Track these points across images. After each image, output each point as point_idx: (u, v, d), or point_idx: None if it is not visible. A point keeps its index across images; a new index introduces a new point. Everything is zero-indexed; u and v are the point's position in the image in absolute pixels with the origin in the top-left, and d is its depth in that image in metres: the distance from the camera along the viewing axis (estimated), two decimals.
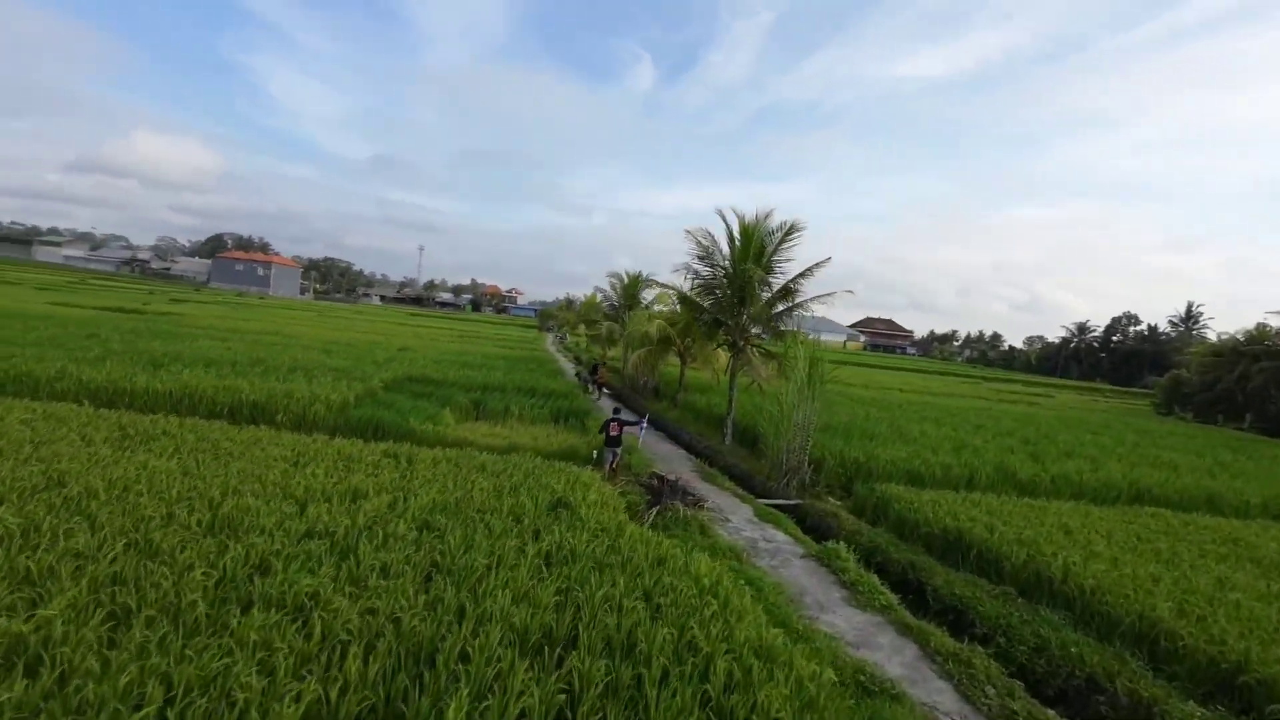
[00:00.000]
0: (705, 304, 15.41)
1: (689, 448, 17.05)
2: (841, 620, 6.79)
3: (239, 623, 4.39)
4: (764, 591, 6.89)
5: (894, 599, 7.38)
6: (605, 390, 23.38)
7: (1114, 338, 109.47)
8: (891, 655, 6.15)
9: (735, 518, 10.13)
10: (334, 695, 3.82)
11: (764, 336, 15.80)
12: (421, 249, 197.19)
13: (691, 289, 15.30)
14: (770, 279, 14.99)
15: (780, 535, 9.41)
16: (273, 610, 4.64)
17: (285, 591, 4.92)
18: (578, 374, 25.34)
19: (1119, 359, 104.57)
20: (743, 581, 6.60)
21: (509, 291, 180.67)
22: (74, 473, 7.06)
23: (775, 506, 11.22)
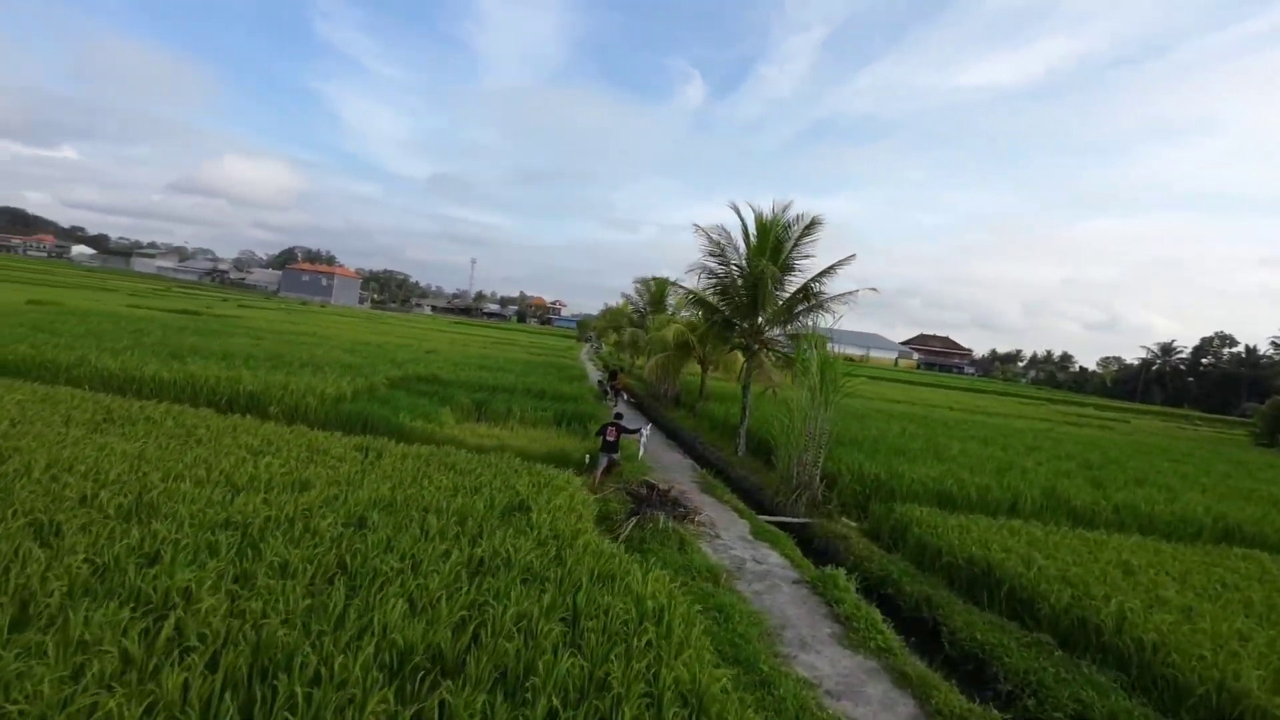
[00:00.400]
0: (718, 304, 14.40)
1: (701, 458, 16.00)
2: (825, 662, 5.65)
3: (83, 619, 3.85)
4: (732, 621, 5.85)
5: (896, 640, 6.14)
6: (626, 397, 22.61)
7: (1204, 360, 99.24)
8: (880, 712, 4.98)
9: (728, 534, 9.07)
10: (136, 714, 3.18)
11: (780, 340, 14.62)
12: (473, 262, 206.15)
13: (704, 288, 14.36)
14: (788, 278, 13.86)
15: (774, 556, 8.28)
16: (129, 606, 4.09)
17: (156, 585, 4.37)
18: (599, 381, 24.71)
19: (1210, 383, 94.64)
20: (700, 607, 5.60)
21: (553, 303, 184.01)
22: (25, 449, 6.92)
23: (778, 524, 10.05)
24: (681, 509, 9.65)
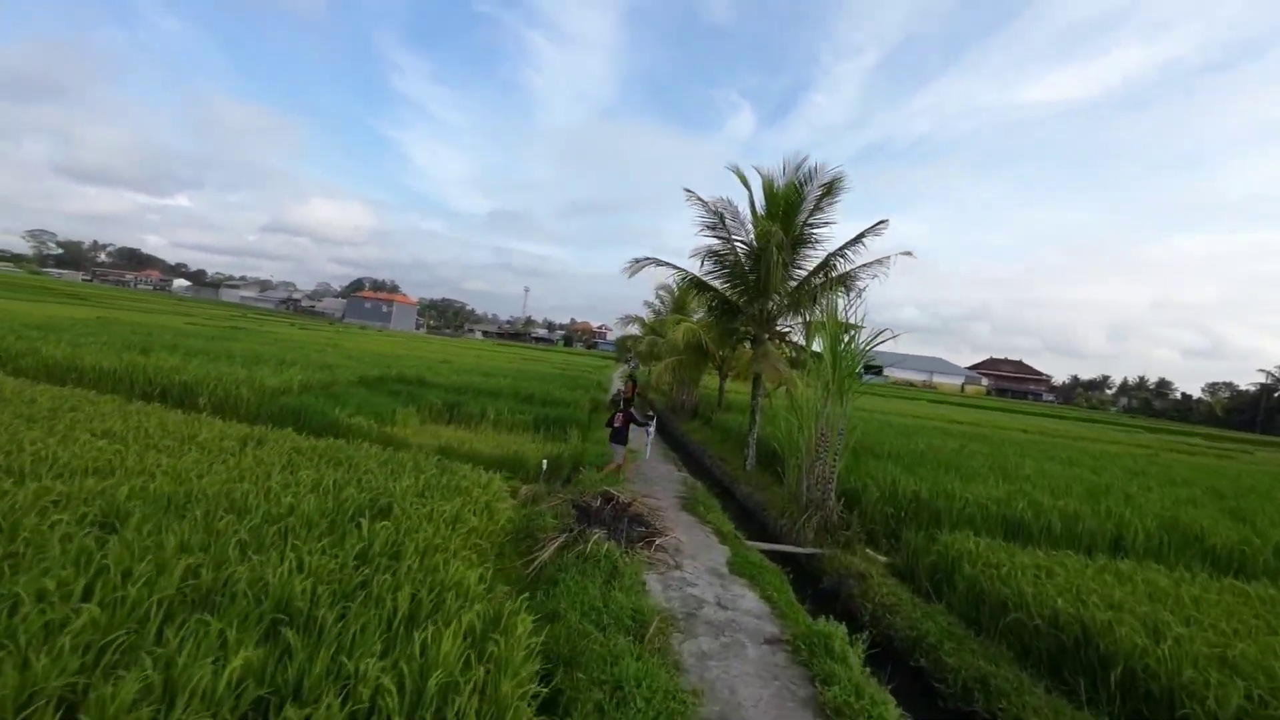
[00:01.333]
0: (720, 287, 12.09)
1: (705, 473, 13.50)
2: None
3: None
4: (627, 713, 3.48)
5: None
6: (633, 411, 20.38)
7: None
8: None
9: (695, 564, 6.62)
10: None
11: (794, 330, 12.10)
12: (526, 290, 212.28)
13: (706, 272, 12.14)
14: (804, 252, 11.41)
15: (749, 599, 5.76)
16: None
17: None
18: (614, 397, 22.61)
19: None
20: (585, 680, 3.29)
21: (599, 328, 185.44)
22: None
23: (774, 554, 7.48)
24: (642, 528, 7.32)
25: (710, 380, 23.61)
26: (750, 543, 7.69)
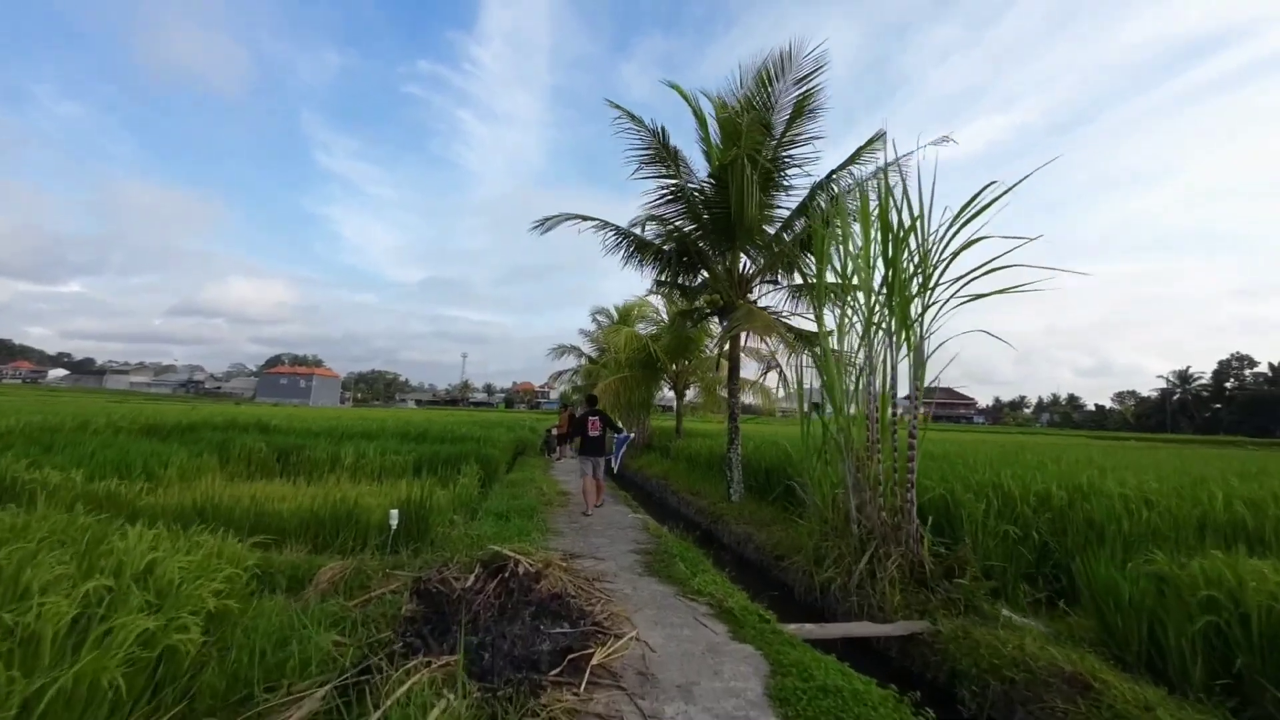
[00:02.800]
0: (672, 232, 8.58)
1: (671, 514, 9.53)
2: None
3: None
4: None
5: None
6: (569, 446, 16.15)
7: (1226, 384, 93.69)
8: None
9: (691, 709, 2.62)
10: None
11: (777, 284, 8.73)
12: (464, 357, 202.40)
13: (645, 225, 8.71)
14: (776, 195, 8.27)
15: None
16: None
17: None
18: (545, 438, 18.20)
19: (1240, 407, 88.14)
20: None
21: (541, 388, 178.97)
22: None
23: (834, 642, 3.61)
24: (562, 629, 3.29)
25: (665, 419, 19.91)
26: (788, 627, 3.77)
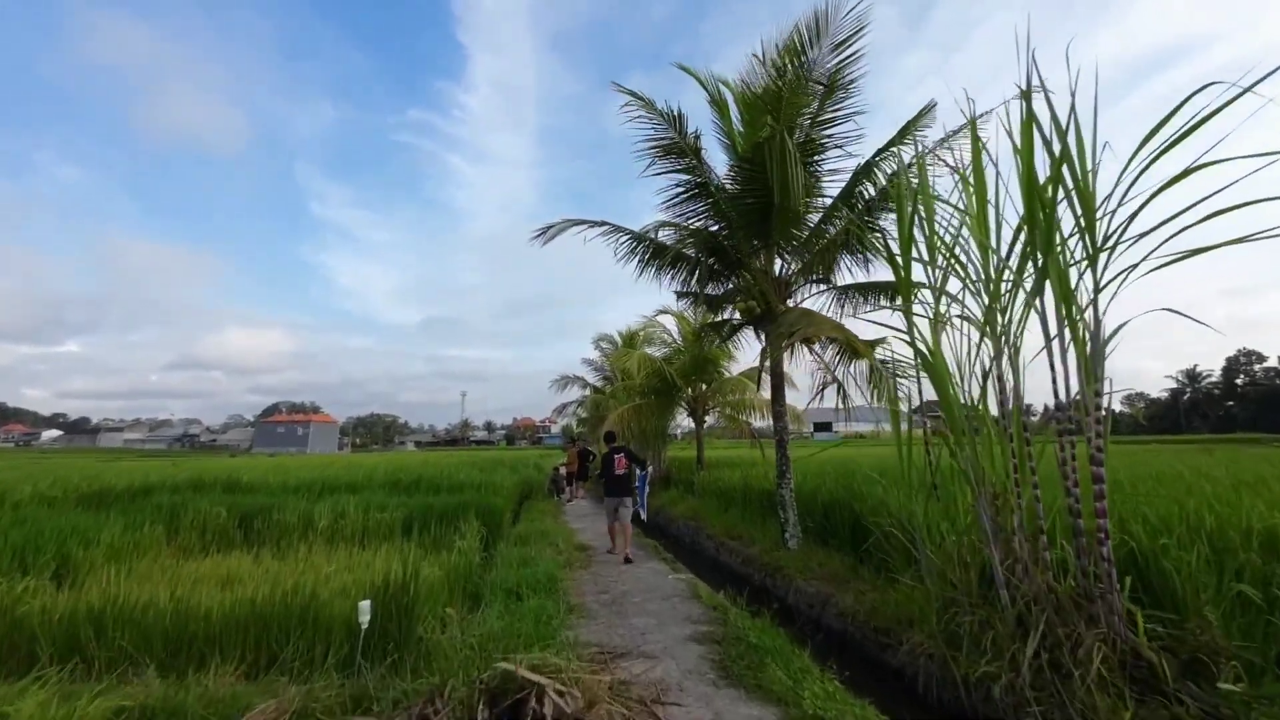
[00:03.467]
0: (692, 232, 7.34)
1: (715, 564, 8.07)
2: None
3: None
4: None
5: None
6: (577, 488, 14.62)
7: (1238, 381, 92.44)
8: None
9: None
10: None
11: (828, 283, 7.42)
12: (464, 395, 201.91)
13: (659, 224, 7.47)
14: (816, 165, 7.05)
15: None
16: None
17: None
18: (551, 478, 16.65)
19: (1255, 404, 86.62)
20: None
21: (542, 423, 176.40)
22: None
23: None
24: None
25: (682, 449, 18.43)
26: None
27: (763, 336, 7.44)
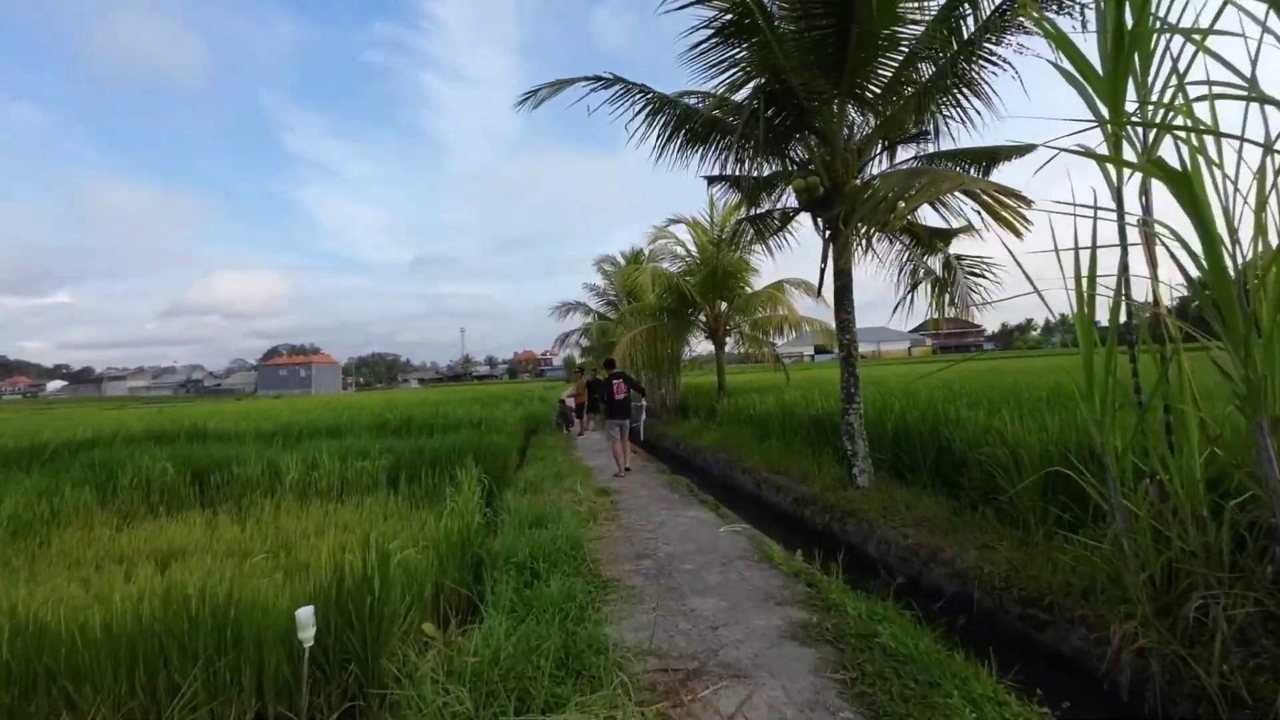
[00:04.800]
0: (733, 84, 5.44)
1: (757, 502, 6.96)
2: None
3: None
4: None
5: None
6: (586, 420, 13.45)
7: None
8: None
9: None
10: None
11: (923, 138, 5.69)
12: (463, 331, 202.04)
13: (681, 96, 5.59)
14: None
15: None
16: None
17: None
18: (558, 409, 15.44)
19: None
20: None
21: (544, 355, 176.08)
22: None
23: None
24: None
25: (703, 375, 17.10)
26: None
27: (822, 227, 5.78)
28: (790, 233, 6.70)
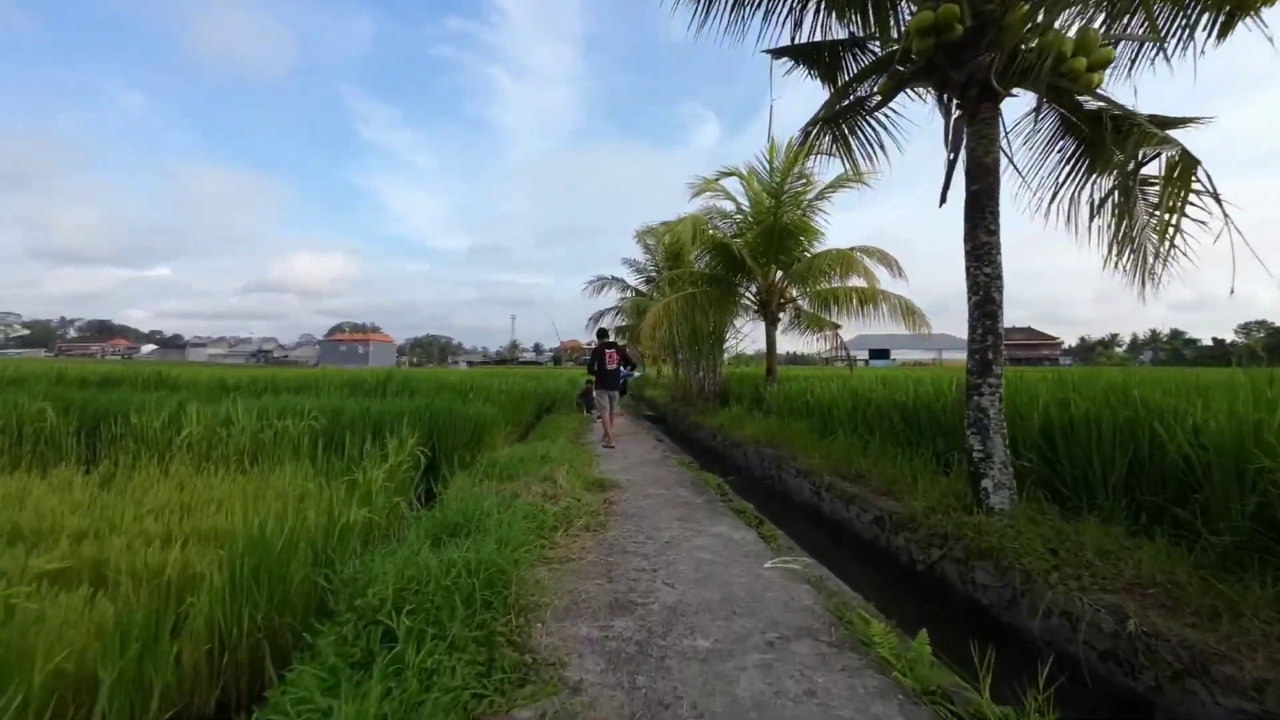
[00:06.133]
0: None
1: (818, 518, 4.93)
2: None
3: None
4: None
5: None
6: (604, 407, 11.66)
7: None
8: None
9: None
10: None
11: None
12: (513, 319, 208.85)
13: None
14: None
15: None
16: None
17: None
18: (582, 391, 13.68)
19: None
20: None
21: (588, 344, 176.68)
22: None
23: None
24: None
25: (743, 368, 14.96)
26: None
27: (949, 97, 3.68)
28: (890, 127, 4.57)
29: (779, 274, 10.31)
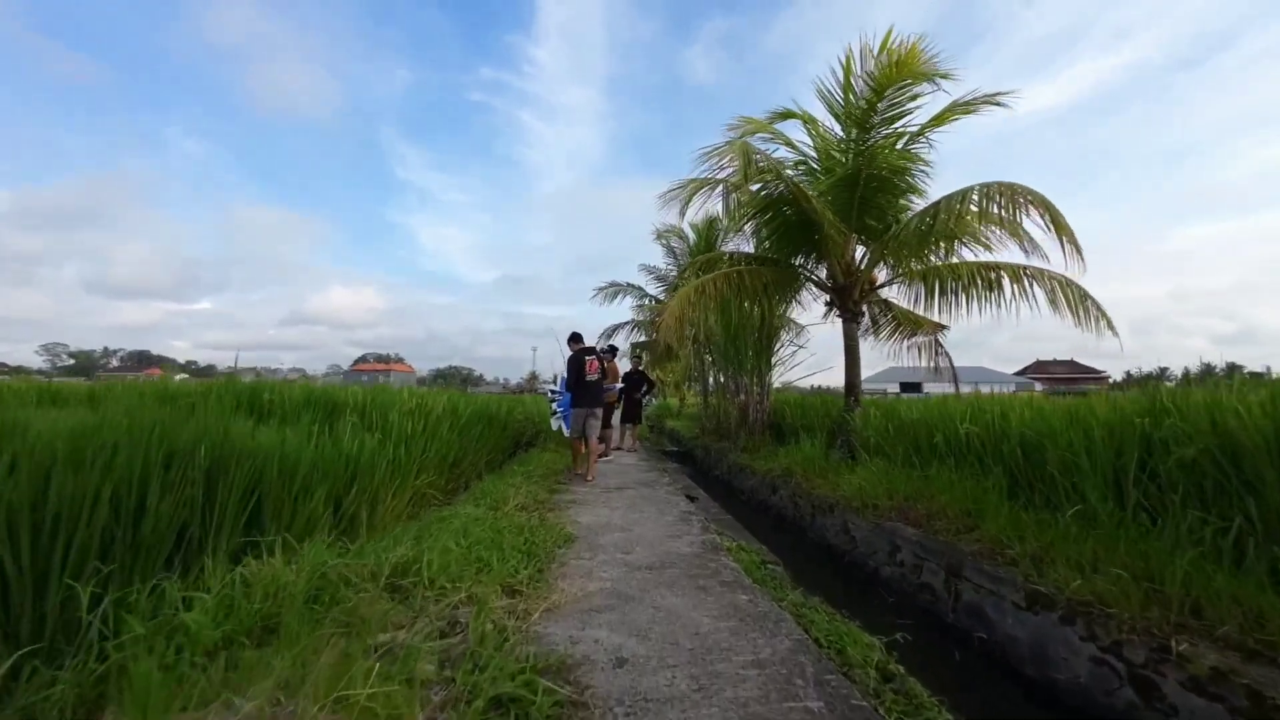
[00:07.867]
0: None
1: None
2: None
3: None
4: None
5: None
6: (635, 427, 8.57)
7: None
8: None
9: None
10: None
11: None
12: (535, 350, 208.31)
13: None
14: None
15: None
16: None
17: None
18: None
19: None
20: None
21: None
22: None
23: None
24: None
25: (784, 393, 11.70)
26: None
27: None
28: None
29: (859, 251, 7.18)
